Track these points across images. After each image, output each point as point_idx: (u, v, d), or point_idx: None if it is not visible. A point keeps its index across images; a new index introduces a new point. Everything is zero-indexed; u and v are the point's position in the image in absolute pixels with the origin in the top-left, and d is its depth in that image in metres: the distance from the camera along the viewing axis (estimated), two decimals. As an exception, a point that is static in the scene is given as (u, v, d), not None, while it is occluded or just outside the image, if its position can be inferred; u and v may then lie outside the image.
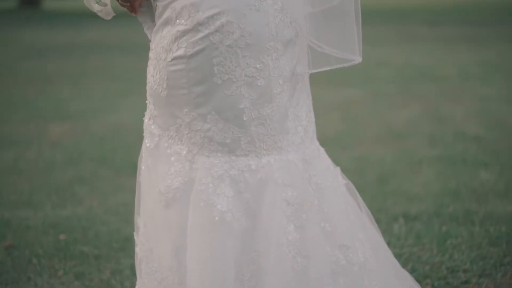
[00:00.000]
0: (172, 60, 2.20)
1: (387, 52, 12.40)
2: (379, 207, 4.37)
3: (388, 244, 3.64)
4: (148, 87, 2.33)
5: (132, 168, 5.36)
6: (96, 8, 2.32)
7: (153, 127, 2.32)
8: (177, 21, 2.19)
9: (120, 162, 5.65)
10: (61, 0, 33.02)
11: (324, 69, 2.29)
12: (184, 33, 2.18)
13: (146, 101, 2.37)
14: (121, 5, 2.31)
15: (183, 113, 2.23)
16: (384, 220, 4.12)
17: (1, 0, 40.79)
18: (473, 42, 13.99)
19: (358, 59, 2.29)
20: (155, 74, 2.26)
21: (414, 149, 5.85)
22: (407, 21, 20.07)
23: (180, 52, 2.19)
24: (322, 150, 2.39)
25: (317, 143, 2.38)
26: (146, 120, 2.36)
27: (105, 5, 2.31)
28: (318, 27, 2.25)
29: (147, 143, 2.34)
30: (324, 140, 6.08)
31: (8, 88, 9.80)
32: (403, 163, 5.43)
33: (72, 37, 16.65)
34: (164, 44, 2.22)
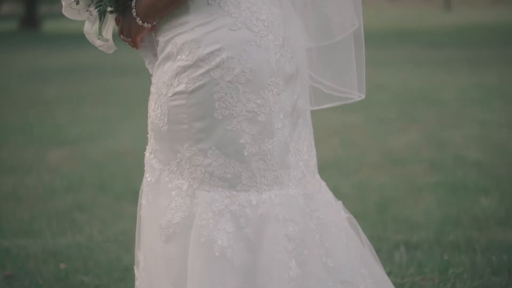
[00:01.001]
0: (173, 95, 2.21)
1: (386, 75, 12.43)
2: (380, 235, 4.36)
3: (390, 273, 3.63)
4: (149, 121, 2.33)
5: (131, 195, 5.37)
6: (97, 43, 2.32)
7: (154, 161, 2.31)
8: (178, 56, 2.19)
9: (120, 188, 5.64)
10: (60, 22, 33.13)
11: (326, 106, 2.28)
12: (185, 68, 2.18)
13: (147, 135, 2.37)
14: (123, 40, 2.31)
15: (183, 148, 2.22)
16: (385, 248, 4.11)
17: (2, 22, 40.96)
18: (473, 64, 14.02)
19: (359, 96, 2.29)
20: (156, 108, 2.26)
21: (414, 175, 5.84)
22: (406, 44, 20.11)
23: (181, 87, 2.19)
24: (323, 184, 2.38)
25: (318, 177, 2.37)
26: (147, 154, 2.35)
27: (106, 40, 2.31)
28: (319, 62, 2.25)
29: (148, 177, 2.33)
30: (324, 166, 6.07)
31: (7, 112, 9.80)
32: (403, 190, 5.41)
33: (72, 60, 16.69)
34: (165, 79, 2.22)
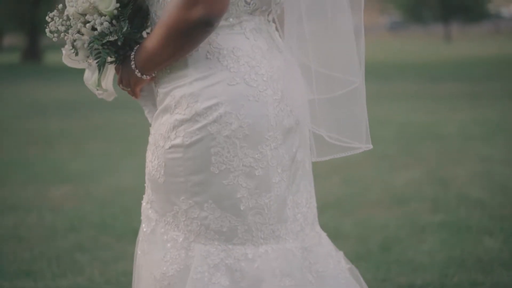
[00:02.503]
0: (170, 148, 2.18)
1: (388, 110, 12.43)
2: (383, 277, 4.32)
3: (394, 319, 3.59)
4: (146, 171, 2.31)
5: (132, 235, 5.33)
6: (97, 92, 2.31)
7: (150, 211, 2.29)
8: (176, 110, 2.16)
9: (121, 227, 5.61)
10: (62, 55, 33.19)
11: (330, 157, 2.26)
12: (182, 122, 2.15)
13: (145, 184, 2.35)
14: (122, 89, 2.30)
15: (180, 200, 2.20)
16: (389, 291, 4.08)
17: (4, 54, 41.16)
18: (474, 99, 14.03)
19: (367, 147, 2.27)
20: (153, 160, 2.24)
21: (417, 214, 5.80)
22: (407, 77, 20.15)
23: (178, 140, 2.16)
24: (323, 235, 2.35)
25: (318, 228, 2.34)
26: (144, 203, 2.33)
27: (106, 90, 2.30)
28: (322, 114, 2.22)
29: (144, 227, 2.31)
30: (325, 205, 6.01)
31: (7, 148, 9.80)
32: (406, 229, 5.38)
33: (73, 94, 16.72)
34: (163, 131, 2.19)
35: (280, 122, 2.18)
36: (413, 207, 6.01)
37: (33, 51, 35.68)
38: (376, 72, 19.61)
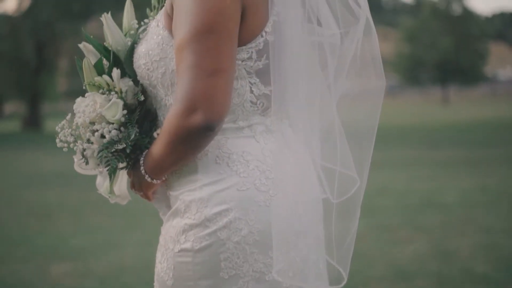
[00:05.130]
0: (179, 251, 2.15)
1: (388, 177, 12.39)
2: None
3: None
4: (155, 271, 2.28)
5: (134, 317, 5.26)
6: (109, 198, 2.30)
7: (159, 311, 2.26)
8: (186, 214, 2.14)
9: (122, 308, 5.53)
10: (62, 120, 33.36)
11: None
12: (192, 227, 2.13)
13: (154, 284, 2.32)
14: (135, 192, 2.29)
15: (189, 304, 2.16)
16: None
17: (5, 122, 41.30)
18: (474, 165, 14.00)
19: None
20: (162, 261, 2.21)
21: (422, 291, 5.74)
22: (406, 143, 20.15)
23: (187, 245, 2.14)
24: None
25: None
26: (152, 303, 2.30)
27: (118, 196, 2.28)
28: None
29: (153, 327, 2.27)
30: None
31: (7, 221, 9.73)
32: (412, 309, 5.31)
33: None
34: (173, 234, 2.17)
35: (291, 225, 2.15)
36: (418, 283, 5.94)
37: (34, 119, 35.85)
38: (376, 139, 19.61)
